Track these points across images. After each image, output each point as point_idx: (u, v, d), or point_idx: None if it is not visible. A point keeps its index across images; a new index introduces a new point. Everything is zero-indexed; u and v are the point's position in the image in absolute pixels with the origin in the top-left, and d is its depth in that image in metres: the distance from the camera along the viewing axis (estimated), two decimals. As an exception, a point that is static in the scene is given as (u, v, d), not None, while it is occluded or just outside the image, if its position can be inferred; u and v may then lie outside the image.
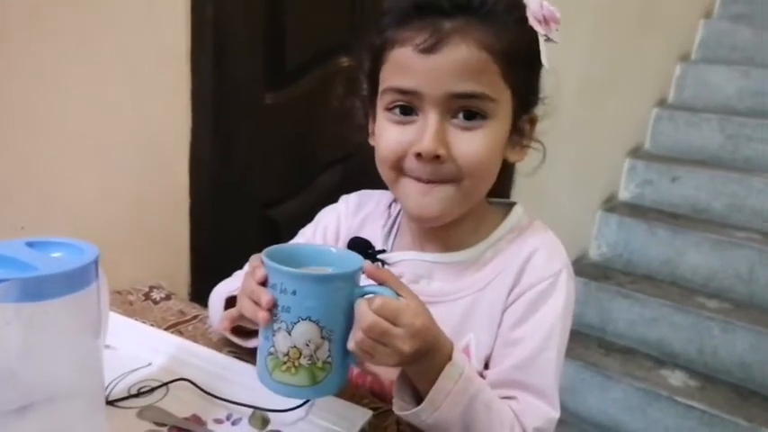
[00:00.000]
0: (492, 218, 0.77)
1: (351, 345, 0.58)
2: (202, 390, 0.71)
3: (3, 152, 0.87)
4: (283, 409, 0.67)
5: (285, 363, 0.58)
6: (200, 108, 1.11)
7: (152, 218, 1.10)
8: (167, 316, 0.94)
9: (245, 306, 0.61)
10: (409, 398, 0.65)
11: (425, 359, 0.60)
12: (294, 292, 0.57)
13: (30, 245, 0.54)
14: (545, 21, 0.67)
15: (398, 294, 0.59)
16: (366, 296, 0.58)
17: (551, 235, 0.77)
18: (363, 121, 0.77)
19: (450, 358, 0.62)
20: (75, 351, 0.54)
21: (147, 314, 0.93)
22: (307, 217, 0.89)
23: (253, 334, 0.73)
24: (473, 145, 0.66)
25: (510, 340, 0.71)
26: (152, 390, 0.71)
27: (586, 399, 2.11)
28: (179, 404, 0.69)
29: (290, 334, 0.57)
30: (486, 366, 0.72)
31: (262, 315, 0.58)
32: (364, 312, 0.56)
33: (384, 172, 0.72)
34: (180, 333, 0.88)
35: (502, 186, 0.78)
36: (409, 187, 0.69)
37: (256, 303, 0.59)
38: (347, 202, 0.88)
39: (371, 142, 0.75)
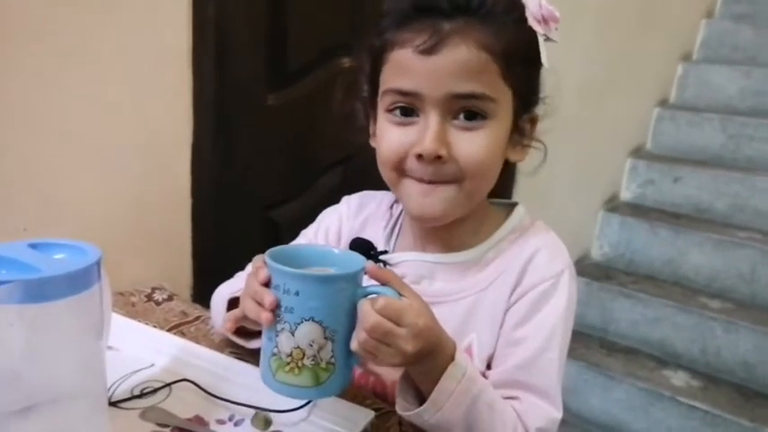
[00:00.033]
0: (494, 218, 0.77)
1: (354, 345, 0.58)
2: (205, 390, 0.71)
3: (5, 153, 0.88)
4: (286, 409, 0.67)
5: (288, 363, 0.59)
6: (201, 109, 1.11)
7: (154, 219, 1.10)
8: (170, 317, 0.94)
9: (248, 307, 0.61)
10: (412, 398, 0.65)
11: (428, 359, 0.60)
12: (297, 293, 0.57)
13: (32, 246, 0.54)
14: (544, 20, 0.67)
15: (401, 294, 0.59)
16: (369, 296, 0.58)
17: (553, 235, 0.77)
18: (364, 123, 0.77)
19: (452, 358, 0.62)
20: (78, 352, 0.54)
21: (149, 315, 0.93)
22: (308, 218, 0.89)
23: (255, 335, 0.73)
24: (474, 145, 0.66)
25: (512, 340, 0.71)
26: (155, 391, 0.71)
27: (589, 399, 2.11)
28: (182, 405, 0.69)
29: (293, 335, 0.58)
30: (489, 366, 0.72)
31: (265, 316, 0.58)
32: (367, 312, 0.56)
33: (385, 173, 0.72)
34: (182, 334, 0.88)
35: (503, 186, 0.78)
36: (411, 188, 0.70)
37: (259, 304, 0.59)
38: (349, 203, 0.88)
39: (372, 144, 0.75)
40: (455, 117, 0.66)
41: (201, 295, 1.10)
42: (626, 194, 2.71)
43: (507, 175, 0.77)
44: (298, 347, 0.58)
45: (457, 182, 0.68)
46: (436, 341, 0.60)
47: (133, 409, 0.68)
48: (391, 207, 0.85)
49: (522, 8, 0.67)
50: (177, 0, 1.04)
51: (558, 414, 0.68)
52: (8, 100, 0.86)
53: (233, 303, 0.73)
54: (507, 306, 0.72)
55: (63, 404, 0.53)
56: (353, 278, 0.60)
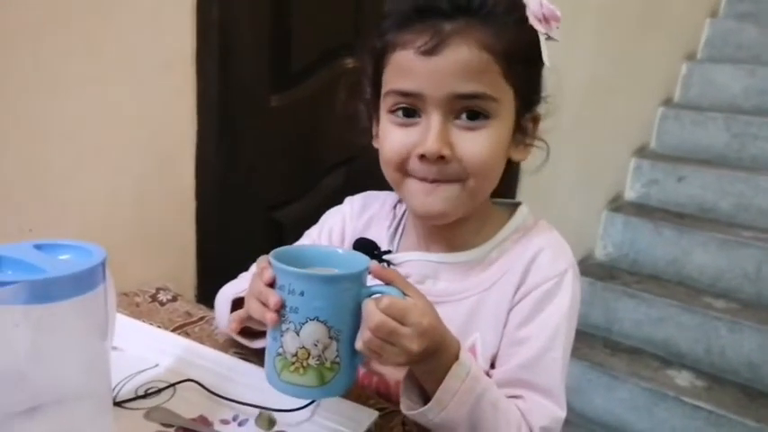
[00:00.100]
0: (497, 218, 0.77)
1: (359, 344, 0.58)
2: (209, 391, 0.71)
3: (10, 155, 0.88)
4: (290, 408, 0.67)
5: (293, 363, 0.59)
6: (205, 110, 1.12)
7: (158, 220, 1.11)
8: (174, 317, 0.94)
9: (252, 307, 0.61)
10: (416, 397, 0.65)
11: (433, 358, 0.60)
12: (302, 293, 0.57)
13: (38, 247, 0.54)
14: (545, 19, 0.67)
15: (405, 294, 0.59)
16: (373, 296, 0.58)
17: (557, 235, 0.77)
18: (367, 124, 0.78)
19: (457, 357, 0.62)
20: (83, 353, 0.54)
21: (153, 316, 0.94)
22: (312, 219, 0.90)
23: (259, 335, 0.73)
24: (477, 145, 0.66)
25: (516, 340, 0.71)
26: (159, 391, 0.71)
27: (592, 399, 2.11)
28: (186, 405, 0.69)
29: (298, 334, 0.58)
30: (493, 366, 0.72)
31: (270, 316, 0.58)
32: (372, 312, 0.56)
33: (389, 174, 0.72)
34: (186, 334, 0.88)
35: (507, 186, 0.78)
36: (414, 186, 0.70)
37: (264, 305, 0.59)
38: (352, 203, 0.88)
39: (375, 145, 0.75)
40: (457, 117, 0.67)
41: (206, 296, 1.11)
42: (630, 194, 2.70)
43: (510, 174, 0.77)
44: (303, 347, 0.58)
45: (460, 181, 0.68)
46: (440, 340, 0.60)
47: (138, 409, 0.68)
48: (395, 207, 0.85)
49: (522, 8, 0.67)
50: (181, 2, 1.05)
51: (561, 413, 0.68)
52: (12, 102, 0.86)
53: (237, 304, 0.73)
54: (511, 305, 0.72)
55: (68, 404, 0.53)
56: (358, 278, 0.60)
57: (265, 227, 1.34)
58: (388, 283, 0.60)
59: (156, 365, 0.76)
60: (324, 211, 0.90)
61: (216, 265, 1.18)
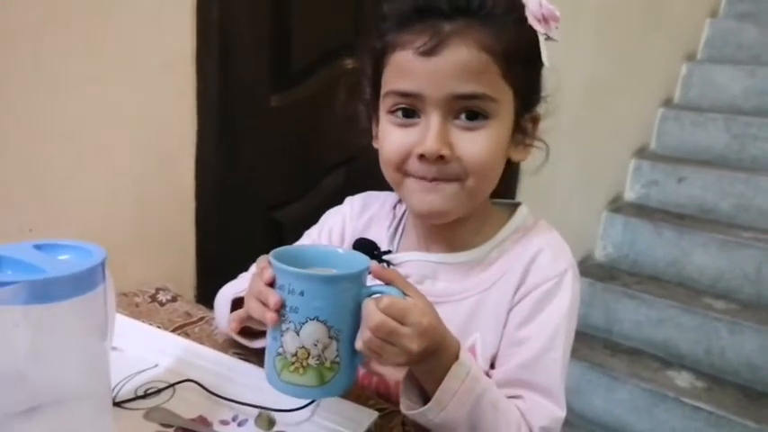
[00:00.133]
0: (497, 218, 0.78)
1: (359, 344, 0.58)
2: (209, 391, 0.71)
3: (11, 155, 0.88)
4: (290, 408, 0.67)
5: (293, 363, 0.59)
6: (205, 110, 1.12)
7: (158, 220, 1.11)
8: (174, 318, 0.94)
9: (252, 307, 0.61)
10: (416, 397, 0.65)
11: (432, 358, 0.60)
12: (302, 293, 0.57)
13: (37, 247, 0.54)
14: (544, 20, 0.68)
15: (405, 294, 0.59)
16: (373, 296, 0.59)
17: (556, 235, 0.77)
18: (367, 125, 0.78)
19: (456, 357, 0.62)
20: (83, 353, 0.54)
21: (153, 316, 0.94)
22: (312, 219, 0.90)
23: (259, 335, 0.73)
24: (476, 145, 0.67)
25: (516, 340, 0.71)
26: (158, 391, 0.71)
27: (592, 400, 2.11)
28: (185, 405, 0.69)
29: (298, 334, 0.58)
30: (492, 366, 0.72)
31: (270, 316, 0.58)
32: (372, 312, 0.57)
33: (388, 174, 0.72)
34: (186, 335, 0.88)
35: (507, 186, 0.78)
36: (413, 185, 0.70)
37: (264, 304, 0.59)
38: (352, 203, 0.88)
39: (375, 145, 0.75)
40: (456, 117, 0.67)
41: (205, 296, 1.11)
42: (630, 195, 2.70)
43: (510, 174, 0.77)
44: (302, 347, 0.58)
45: (459, 180, 0.68)
46: (440, 340, 0.60)
47: (137, 409, 0.68)
48: (394, 207, 0.85)
49: (522, 8, 0.67)
50: (181, 2, 1.05)
51: (561, 413, 0.68)
52: (12, 102, 0.86)
53: (237, 304, 0.73)
54: (510, 306, 0.72)
55: (68, 404, 0.53)
56: (358, 278, 0.60)
57: (265, 227, 1.34)
58: (388, 283, 0.60)
59: (156, 366, 0.76)
60: (324, 212, 0.90)
61: (216, 265, 1.18)
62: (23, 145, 0.89)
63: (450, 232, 0.75)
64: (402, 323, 0.57)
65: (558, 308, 0.71)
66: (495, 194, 0.77)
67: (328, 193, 1.41)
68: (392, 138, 0.70)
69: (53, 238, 0.57)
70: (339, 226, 0.86)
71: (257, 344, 0.74)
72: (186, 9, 1.05)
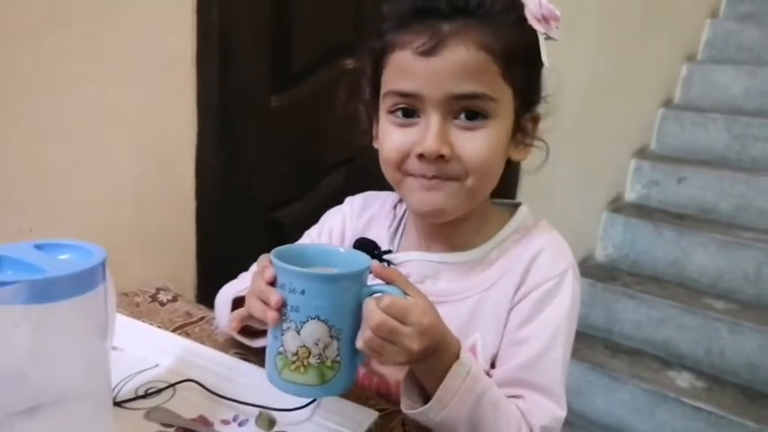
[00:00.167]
0: (497, 218, 0.78)
1: (359, 343, 0.58)
2: (209, 391, 0.71)
3: (11, 155, 0.88)
4: (290, 408, 0.67)
5: (294, 362, 0.59)
6: (205, 111, 1.12)
7: (158, 220, 1.11)
8: (174, 317, 0.94)
9: (253, 306, 0.61)
10: (417, 396, 0.65)
11: (433, 357, 0.60)
12: (303, 292, 0.57)
13: (38, 247, 0.54)
14: (544, 19, 0.68)
15: (406, 293, 0.59)
16: (374, 295, 0.59)
17: (557, 235, 0.77)
18: (367, 125, 0.78)
19: (457, 357, 0.62)
20: (83, 352, 0.54)
21: (153, 316, 0.94)
22: (312, 219, 0.90)
23: (260, 334, 0.74)
24: (476, 145, 0.67)
25: (516, 340, 0.71)
26: (159, 391, 0.71)
27: (593, 400, 2.11)
28: (186, 405, 0.69)
29: (299, 333, 0.58)
30: (493, 366, 0.72)
31: (271, 315, 0.58)
32: (372, 311, 0.57)
33: (389, 174, 0.72)
34: (187, 334, 0.88)
35: (507, 186, 0.78)
36: (413, 184, 0.70)
37: (265, 303, 0.59)
38: (352, 203, 0.88)
39: (376, 145, 0.75)
40: (456, 117, 0.67)
41: (206, 296, 1.11)
42: (630, 195, 2.70)
43: (511, 174, 0.77)
44: (303, 346, 0.58)
45: (459, 179, 0.68)
46: (441, 339, 0.60)
47: (138, 409, 0.68)
48: (395, 207, 0.85)
49: (521, 8, 0.67)
50: (181, 5, 1.05)
51: (562, 413, 0.68)
52: (13, 102, 0.86)
53: (237, 303, 0.73)
54: (511, 305, 0.72)
55: (68, 404, 0.53)
56: (359, 277, 0.60)
57: (265, 227, 1.34)
58: (388, 283, 0.60)
59: (157, 365, 0.76)
60: (324, 212, 0.90)
61: (216, 265, 1.18)
62: (24, 145, 0.89)
63: (450, 232, 0.76)
64: (403, 322, 0.57)
65: (559, 308, 0.71)
66: (496, 194, 0.77)
67: (328, 193, 1.41)
68: (392, 137, 0.70)
69: (53, 238, 0.57)
70: (339, 226, 0.86)
71: (258, 343, 0.74)
72: (186, 10, 1.05)
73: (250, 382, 0.72)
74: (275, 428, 0.67)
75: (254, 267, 0.75)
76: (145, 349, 0.78)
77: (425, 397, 0.64)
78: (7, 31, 0.83)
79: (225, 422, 0.68)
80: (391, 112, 0.70)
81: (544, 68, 0.71)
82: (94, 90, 0.95)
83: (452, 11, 0.65)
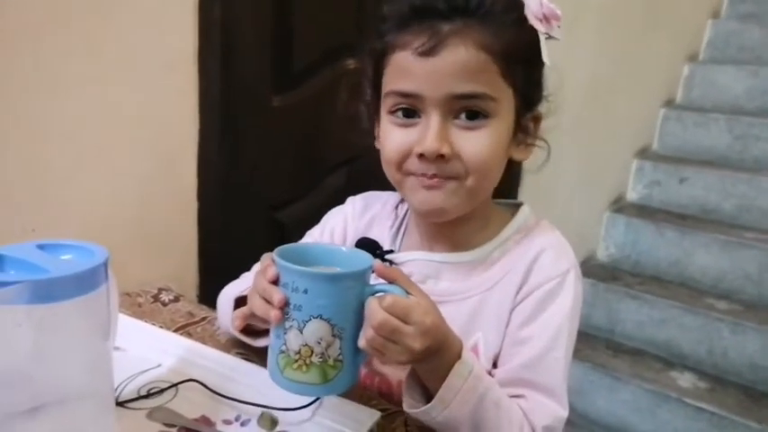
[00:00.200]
0: (499, 218, 0.78)
1: (362, 342, 0.58)
2: (212, 390, 0.71)
3: (14, 155, 0.88)
4: (292, 407, 0.67)
5: (297, 361, 0.59)
6: (207, 110, 1.12)
7: (160, 220, 1.11)
8: (176, 318, 0.94)
9: (256, 305, 0.61)
10: (419, 396, 0.65)
11: (435, 357, 0.60)
12: (306, 291, 0.57)
13: (40, 247, 0.54)
14: (546, 19, 0.68)
15: (409, 293, 0.59)
16: (377, 294, 0.59)
17: (558, 235, 0.77)
18: (368, 125, 0.78)
19: (459, 356, 0.62)
20: (86, 353, 0.54)
21: (156, 316, 0.94)
22: (314, 219, 0.90)
23: (262, 333, 0.74)
24: (477, 144, 0.67)
25: (518, 339, 0.71)
26: (161, 391, 0.71)
27: (595, 400, 2.11)
28: (188, 405, 0.69)
29: (301, 332, 0.58)
30: (495, 366, 0.72)
31: (274, 314, 0.58)
32: (375, 310, 0.57)
33: (390, 174, 0.73)
34: (189, 335, 0.88)
35: (509, 186, 0.78)
36: (414, 184, 0.70)
37: (268, 302, 0.59)
38: (354, 203, 0.88)
39: (377, 145, 0.75)
40: (456, 117, 0.67)
41: (208, 296, 1.11)
42: (632, 195, 2.70)
43: (512, 174, 0.77)
44: (306, 345, 0.58)
45: (459, 179, 0.68)
46: (443, 339, 0.60)
47: (140, 409, 0.68)
48: (396, 207, 0.85)
49: (521, 7, 0.67)
50: (183, 2, 1.05)
51: (564, 412, 0.68)
52: (14, 102, 0.86)
53: (239, 303, 0.73)
54: (513, 305, 0.72)
55: (70, 404, 0.53)
56: (361, 276, 0.60)
57: (267, 227, 1.34)
58: (391, 282, 0.60)
59: (159, 366, 0.76)
60: (326, 211, 0.90)
61: (218, 265, 1.18)
62: (25, 145, 0.89)
63: (452, 232, 0.76)
64: (405, 322, 0.57)
65: (561, 307, 0.71)
66: (498, 194, 0.77)
67: (330, 193, 1.41)
68: (393, 137, 0.70)
69: (55, 238, 0.57)
70: (341, 226, 0.86)
71: (260, 342, 0.74)
72: (188, 8, 1.05)
73: (252, 382, 0.72)
74: (277, 428, 0.67)
75: (256, 267, 0.75)
76: (147, 349, 0.78)
77: (428, 396, 0.64)
78: (8, 31, 0.83)
79: (227, 422, 0.68)
80: (392, 112, 0.70)
81: (545, 68, 0.71)
82: (96, 90, 0.95)
83: (452, 11, 0.65)
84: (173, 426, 0.66)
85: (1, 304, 0.46)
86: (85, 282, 0.51)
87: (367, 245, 0.79)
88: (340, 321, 0.58)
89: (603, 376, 2.10)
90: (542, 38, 0.68)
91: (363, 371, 0.79)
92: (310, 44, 1.32)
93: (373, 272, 0.61)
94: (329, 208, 0.90)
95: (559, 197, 2.19)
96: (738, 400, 1.97)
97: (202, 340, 0.86)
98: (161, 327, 0.89)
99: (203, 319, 0.94)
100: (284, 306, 0.58)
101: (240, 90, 1.18)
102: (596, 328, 2.31)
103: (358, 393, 0.73)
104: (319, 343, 0.58)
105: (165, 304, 0.99)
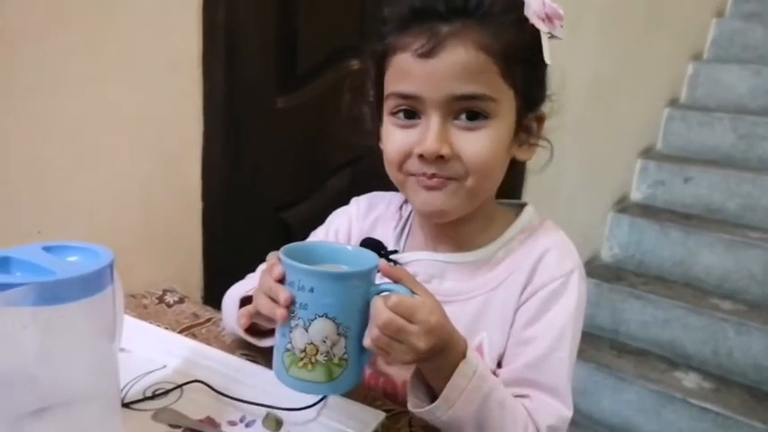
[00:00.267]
0: (503, 218, 0.78)
1: (367, 341, 0.59)
2: (217, 391, 0.71)
3: (20, 157, 0.88)
4: (297, 407, 0.67)
5: (302, 359, 0.59)
6: (211, 111, 1.12)
7: (164, 221, 1.11)
8: (181, 319, 0.94)
9: (262, 303, 0.62)
10: (423, 395, 0.65)
11: (440, 356, 0.60)
12: (312, 290, 0.58)
13: (46, 249, 0.55)
14: (548, 18, 0.68)
15: (414, 292, 0.59)
16: (382, 294, 0.59)
17: (563, 235, 0.77)
18: (371, 127, 0.78)
19: (464, 356, 0.62)
20: (92, 354, 0.55)
21: (161, 317, 0.94)
22: (318, 219, 0.90)
23: (267, 333, 0.74)
24: (478, 145, 0.67)
25: (522, 339, 0.71)
26: (166, 392, 0.71)
27: (599, 401, 2.10)
28: (193, 406, 0.69)
29: (307, 331, 0.58)
30: (499, 365, 0.73)
31: (280, 312, 0.58)
32: (380, 309, 0.57)
33: (392, 174, 0.73)
34: (193, 336, 0.88)
35: (513, 186, 0.78)
36: (415, 185, 0.70)
37: (274, 300, 0.60)
38: (358, 204, 0.88)
39: (382, 146, 0.76)
40: (456, 117, 0.67)
41: (212, 297, 1.11)
42: (636, 195, 2.70)
43: (516, 174, 0.77)
44: (311, 343, 0.58)
45: (459, 180, 0.68)
46: (448, 338, 0.60)
47: (145, 410, 0.68)
48: (401, 208, 0.85)
49: (521, 8, 0.67)
50: (187, 4, 1.05)
51: (568, 412, 0.68)
52: (22, 106, 0.87)
53: (244, 303, 0.73)
54: (517, 305, 0.72)
55: (76, 406, 0.54)
56: (367, 276, 0.60)
57: (272, 228, 1.34)
58: (396, 282, 0.61)
59: (164, 367, 0.76)
60: (330, 212, 0.90)
61: (222, 266, 1.18)
62: (29, 146, 0.89)
63: (455, 232, 0.76)
64: (410, 321, 0.57)
65: (565, 307, 0.71)
66: (501, 194, 0.77)
67: (334, 194, 1.41)
68: (394, 138, 0.70)
69: (61, 240, 0.57)
70: (345, 226, 0.86)
71: (265, 343, 0.75)
72: (192, 10, 1.06)
73: (257, 383, 0.72)
74: (282, 429, 0.67)
75: (261, 268, 0.75)
76: (152, 351, 0.79)
77: (432, 396, 0.64)
78: (9, 30, 0.84)
79: (232, 423, 0.68)
80: (393, 113, 0.70)
81: (548, 67, 0.71)
82: (100, 90, 0.95)
83: (451, 12, 0.65)
84: (178, 427, 0.66)
85: (7, 306, 0.47)
86: (91, 283, 0.52)
87: (371, 245, 0.79)
88: (345, 320, 0.58)
89: (608, 376, 2.09)
90: (545, 37, 0.68)
91: (368, 371, 0.79)
92: (314, 46, 1.32)
93: (378, 271, 0.61)
94: (333, 209, 0.90)
95: (563, 197, 2.19)
96: (743, 400, 1.96)
97: (207, 341, 0.86)
98: (166, 328, 0.89)
99: (208, 320, 0.95)
100: (290, 304, 0.58)
101: (244, 92, 1.18)
102: (600, 329, 2.31)
103: (363, 394, 0.74)
104: (324, 341, 0.58)
105: (170, 305, 0.99)
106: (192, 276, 1.18)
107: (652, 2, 2.43)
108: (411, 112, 0.69)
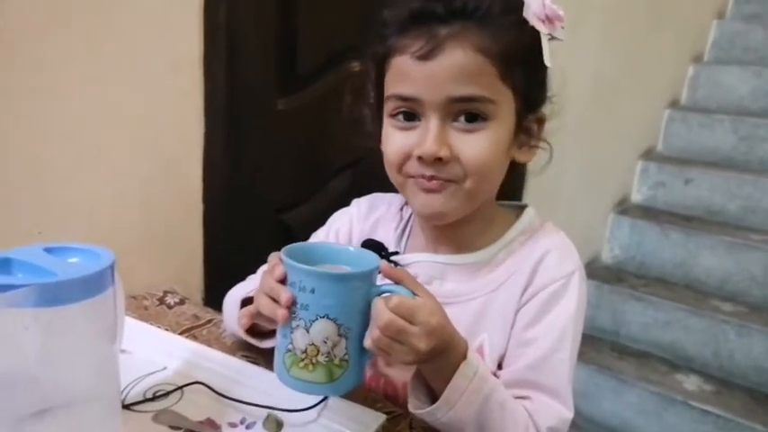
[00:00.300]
0: (503, 219, 0.78)
1: (368, 342, 0.59)
2: (217, 393, 0.71)
3: (19, 158, 0.88)
4: (298, 409, 0.67)
5: (303, 360, 0.59)
6: (212, 112, 1.12)
7: (165, 223, 1.11)
8: (182, 320, 0.94)
9: (263, 304, 0.62)
10: (424, 397, 0.65)
11: (441, 357, 0.60)
12: (313, 291, 0.58)
13: (47, 250, 0.55)
14: (548, 20, 0.68)
15: (414, 293, 0.60)
16: (383, 295, 0.59)
17: (563, 236, 0.77)
18: (372, 128, 0.78)
19: (464, 357, 0.62)
20: (93, 355, 0.55)
21: (161, 319, 0.94)
22: (319, 221, 0.90)
23: (268, 335, 0.74)
24: (476, 147, 0.67)
25: (523, 341, 0.71)
26: (167, 393, 0.71)
27: (600, 403, 2.10)
28: (194, 408, 0.69)
29: (308, 331, 0.58)
30: (500, 367, 0.73)
31: (281, 313, 0.58)
32: (381, 311, 0.57)
33: (392, 176, 0.73)
34: (194, 337, 0.88)
35: (513, 188, 0.78)
36: (414, 187, 0.70)
37: (275, 301, 0.60)
38: (359, 205, 0.88)
39: (382, 148, 0.76)
40: (455, 119, 0.67)
41: (213, 299, 1.11)
42: (637, 197, 2.70)
43: (516, 176, 0.77)
44: (312, 344, 0.58)
45: (458, 182, 0.68)
46: (449, 339, 0.60)
47: (146, 411, 0.68)
48: (401, 209, 0.85)
49: (520, 9, 0.67)
50: (188, 5, 1.05)
51: (569, 414, 0.68)
52: (23, 106, 0.87)
53: (245, 305, 0.73)
54: (518, 307, 0.72)
55: (77, 407, 0.54)
56: (368, 277, 0.60)
57: (272, 229, 1.34)
58: (397, 283, 0.61)
59: (165, 368, 0.76)
60: (331, 214, 0.90)
61: (223, 267, 1.18)
62: (30, 146, 0.89)
63: (455, 233, 0.76)
64: (411, 322, 0.57)
65: (566, 309, 0.71)
66: (502, 196, 0.77)
67: (335, 196, 1.41)
68: (393, 140, 0.71)
69: (62, 241, 0.57)
70: (346, 227, 0.86)
71: (266, 344, 0.75)
72: (193, 11, 1.06)
73: (257, 384, 0.72)
74: (282, 431, 0.67)
75: (262, 269, 0.75)
76: (153, 352, 0.79)
77: (433, 397, 0.64)
78: (9, 31, 0.84)
79: (232, 425, 0.68)
80: (393, 115, 0.71)
81: (549, 69, 0.71)
82: (100, 91, 0.95)
83: (449, 15, 0.65)
84: (178, 428, 0.66)
85: (8, 307, 0.47)
86: (92, 285, 0.52)
87: (372, 246, 0.79)
88: (346, 321, 0.58)
89: (609, 379, 2.09)
90: (545, 39, 0.68)
91: (369, 373, 0.79)
92: (315, 47, 1.32)
93: (380, 272, 0.61)
94: (334, 211, 0.90)
95: (563, 199, 2.19)
96: (744, 402, 1.96)
97: (208, 343, 0.86)
98: (167, 329, 0.89)
99: (209, 321, 0.95)
100: (291, 305, 0.58)
101: (245, 93, 1.18)
102: (601, 331, 2.30)
103: (363, 395, 0.73)
104: (325, 342, 0.58)
105: (170, 307, 0.99)
106: (193, 278, 1.18)
107: (653, 3, 2.43)
108: (410, 114, 0.69)
